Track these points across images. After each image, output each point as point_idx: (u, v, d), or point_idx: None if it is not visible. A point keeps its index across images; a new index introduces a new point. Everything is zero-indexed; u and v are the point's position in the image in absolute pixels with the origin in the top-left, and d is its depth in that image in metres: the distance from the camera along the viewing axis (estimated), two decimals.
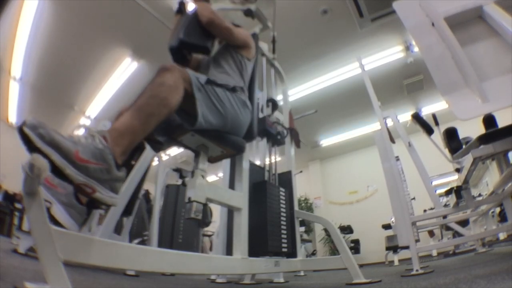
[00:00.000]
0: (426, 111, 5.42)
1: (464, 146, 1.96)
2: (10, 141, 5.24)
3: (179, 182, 3.70)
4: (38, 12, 3.54)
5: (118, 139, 0.80)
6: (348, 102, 5.28)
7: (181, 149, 1.51)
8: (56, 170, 0.67)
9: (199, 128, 1.07)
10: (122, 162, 0.82)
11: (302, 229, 5.60)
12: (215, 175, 7.27)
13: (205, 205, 1.17)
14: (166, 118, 0.93)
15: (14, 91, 4.91)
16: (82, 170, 0.70)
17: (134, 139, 0.85)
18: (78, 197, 0.84)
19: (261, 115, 2.17)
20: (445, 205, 3.35)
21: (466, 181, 1.95)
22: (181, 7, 1.49)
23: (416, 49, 4.05)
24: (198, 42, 1.35)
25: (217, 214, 2.50)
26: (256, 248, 1.53)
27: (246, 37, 1.55)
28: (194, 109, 1.04)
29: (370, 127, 5.97)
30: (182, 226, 3.52)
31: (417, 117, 2.31)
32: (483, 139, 1.45)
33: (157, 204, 2.61)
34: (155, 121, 0.89)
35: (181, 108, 1.00)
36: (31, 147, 0.64)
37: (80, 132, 4.46)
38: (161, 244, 2.75)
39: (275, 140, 2.15)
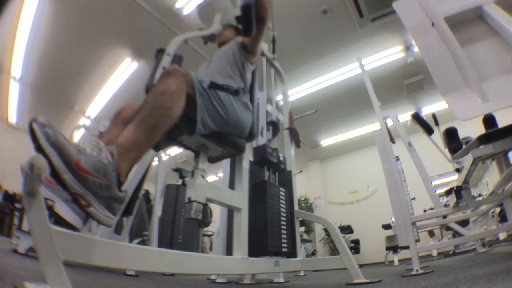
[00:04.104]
0: (426, 111, 5.42)
1: (464, 146, 1.96)
2: (10, 141, 5.25)
3: (179, 182, 3.70)
4: (38, 12, 3.54)
5: (123, 155, 0.78)
6: (348, 102, 5.28)
7: (181, 149, 1.51)
8: (55, 173, 0.65)
9: (198, 134, 1.07)
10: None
11: (302, 229, 5.60)
12: (215, 175, 7.27)
13: (205, 205, 1.17)
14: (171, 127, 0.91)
15: (14, 91, 4.91)
16: (80, 180, 0.68)
17: (140, 153, 0.84)
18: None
19: (261, 141, 2.09)
20: (445, 205, 3.34)
21: (466, 181, 1.95)
22: (157, 54, 1.44)
23: (416, 49, 4.05)
24: (254, 22, 1.34)
25: (217, 214, 2.50)
26: (256, 248, 1.53)
27: (260, 47, 1.59)
28: (195, 113, 1.03)
29: (370, 127, 5.97)
30: (182, 226, 3.51)
31: (417, 117, 2.31)
32: (483, 139, 1.45)
33: (157, 204, 2.60)
34: (160, 133, 0.87)
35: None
36: (37, 146, 0.64)
37: (80, 132, 4.43)
38: (161, 244, 2.75)
39: (276, 168, 2.06)
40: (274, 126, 2.30)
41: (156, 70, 1.27)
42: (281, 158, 2.08)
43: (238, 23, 1.38)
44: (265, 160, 1.92)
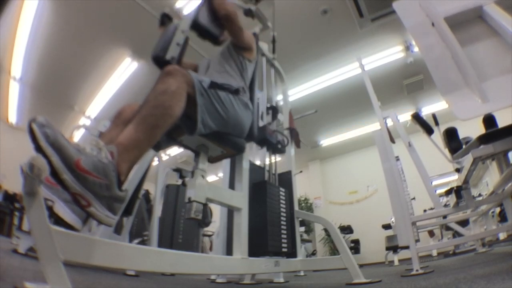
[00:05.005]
0: (426, 111, 5.42)
1: (464, 146, 1.95)
2: (10, 141, 5.25)
3: (179, 182, 3.70)
4: (38, 12, 3.54)
5: (124, 155, 0.78)
6: (348, 102, 5.28)
7: (181, 149, 1.51)
8: (55, 173, 0.65)
9: (198, 134, 1.07)
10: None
11: (302, 229, 5.60)
12: (215, 175, 7.27)
13: (205, 205, 1.17)
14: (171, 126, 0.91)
15: (14, 91, 4.91)
16: (80, 179, 0.67)
17: (140, 153, 0.84)
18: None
19: (261, 123, 2.11)
20: (445, 205, 3.35)
21: (466, 181, 1.95)
22: (164, 19, 1.46)
23: (416, 49, 4.05)
24: (211, 29, 1.33)
25: (217, 214, 2.50)
26: (256, 248, 1.53)
27: (251, 39, 1.56)
28: (195, 113, 1.03)
29: (370, 127, 5.97)
30: (182, 226, 3.52)
31: (417, 117, 2.31)
32: (483, 139, 1.45)
33: (157, 204, 2.60)
34: (160, 132, 0.87)
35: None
36: (37, 146, 0.64)
37: (80, 132, 4.43)
38: (161, 244, 2.75)
39: (275, 149, 2.08)
40: (273, 110, 2.32)
41: (166, 36, 1.27)
42: (280, 139, 2.11)
43: (204, 39, 1.39)
44: (265, 140, 1.94)
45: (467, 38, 1.15)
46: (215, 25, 1.36)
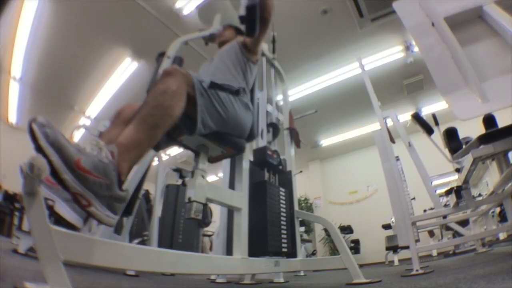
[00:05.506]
0: (426, 111, 5.43)
1: (464, 146, 1.96)
2: (10, 141, 5.25)
3: (179, 182, 3.70)
4: (38, 12, 3.54)
5: (124, 154, 0.78)
6: (348, 102, 5.28)
7: (181, 149, 1.51)
8: (55, 173, 0.65)
9: (198, 134, 1.07)
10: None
11: (302, 229, 5.60)
12: (215, 175, 7.27)
13: (205, 205, 1.17)
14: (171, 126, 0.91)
15: (14, 91, 4.91)
16: (80, 179, 0.67)
17: (141, 153, 0.84)
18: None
19: (261, 143, 2.06)
20: (445, 205, 3.34)
21: (466, 181, 1.95)
22: (159, 58, 1.43)
23: (416, 49, 4.05)
24: (258, 22, 1.33)
25: (217, 214, 2.50)
26: (256, 248, 1.53)
27: (261, 46, 1.61)
28: (195, 113, 1.03)
29: (370, 127, 5.97)
30: (182, 226, 3.52)
31: (417, 117, 2.31)
32: (483, 139, 1.45)
33: (157, 204, 2.60)
34: (160, 132, 0.87)
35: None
36: (37, 146, 0.64)
37: (80, 132, 4.43)
38: (161, 244, 2.75)
39: (277, 171, 2.04)
40: (274, 127, 2.28)
41: (157, 73, 1.26)
42: (281, 160, 2.07)
43: (242, 23, 1.37)
44: (265, 162, 1.92)
45: (467, 38, 1.15)
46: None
